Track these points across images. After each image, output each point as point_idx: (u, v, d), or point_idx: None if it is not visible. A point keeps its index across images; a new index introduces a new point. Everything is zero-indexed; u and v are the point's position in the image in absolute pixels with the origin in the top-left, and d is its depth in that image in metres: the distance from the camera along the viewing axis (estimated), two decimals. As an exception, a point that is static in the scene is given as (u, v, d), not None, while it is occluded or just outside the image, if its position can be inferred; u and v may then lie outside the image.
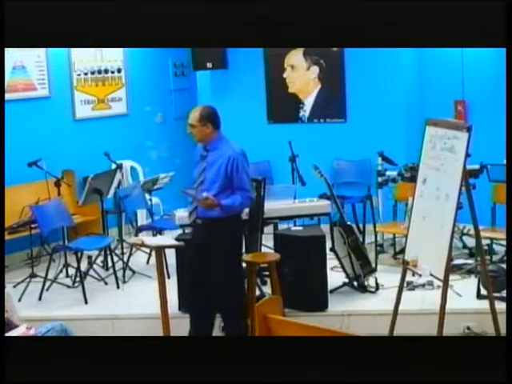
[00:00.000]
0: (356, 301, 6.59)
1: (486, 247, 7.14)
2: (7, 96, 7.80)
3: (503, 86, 5.32)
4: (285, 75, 8.91)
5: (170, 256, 6.58)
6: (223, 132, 5.68)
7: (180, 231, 6.76)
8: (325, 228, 6.91)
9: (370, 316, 6.32)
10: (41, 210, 7.24)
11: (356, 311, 6.38)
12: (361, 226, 8.15)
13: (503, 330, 5.34)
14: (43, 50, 8.24)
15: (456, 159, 5.32)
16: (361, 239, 7.32)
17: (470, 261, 7.28)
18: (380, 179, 7.87)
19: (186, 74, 9.63)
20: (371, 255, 7.07)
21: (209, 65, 8.82)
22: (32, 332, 5.02)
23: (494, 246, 7.47)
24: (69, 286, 7.18)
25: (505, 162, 6.77)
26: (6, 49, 6.06)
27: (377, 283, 6.76)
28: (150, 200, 8.39)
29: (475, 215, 5.45)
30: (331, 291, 6.61)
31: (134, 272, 7.53)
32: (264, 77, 8.97)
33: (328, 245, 6.52)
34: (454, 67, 8.31)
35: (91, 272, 7.40)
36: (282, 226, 7.37)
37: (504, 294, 6.06)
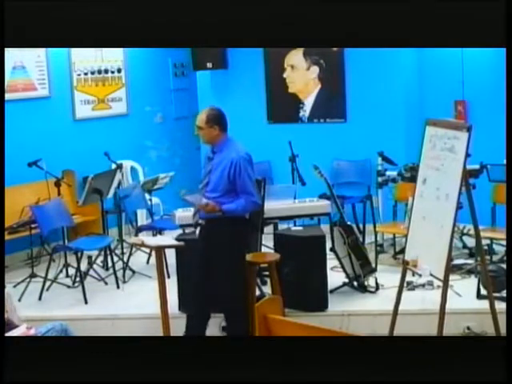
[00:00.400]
0: (356, 301, 6.59)
1: (485, 247, 7.14)
2: (7, 96, 7.80)
3: (503, 86, 5.31)
4: (285, 75, 8.90)
5: (170, 256, 6.57)
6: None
7: (180, 231, 6.76)
8: (325, 228, 6.91)
9: (369, 316, 6.32)
10: (41, 210, 7.24)
11: (356, 311, 6.38)
12: (361, 226, 8.15)
13: (503, 330, 5.33)
14: (43, 50, 8.24)
15: (456, 159, 5.31)
16: (361, 239, 7.32)
17: (470, 261, 7.28)
18: (380, 179, 7.87)
19: (186, 74, 9.64)
20: (371, 255, 7.08)
21: (209, 65, 8.81)
22: (32, 332, 5.02)
23: (494, 246, 7.47)
24: (69, 286, 7.19)
25: (505, 161, 6.76)
26: (6, 49, 6.05)
27: (377, 283, 6.76)
28: (150, 200, 8.39)
29: (475, 215, 5.44)
30: (331, 291, 6.61)
31: (133, 272, 7.53)
32: (264, 77, 8.97)
33: (328, 245, 6.52)
34: (454, 67, 8.31)
35: (91, 272, 7.40)
36: (282, 226, 7.38)
37: (504, 294, 6.06)
